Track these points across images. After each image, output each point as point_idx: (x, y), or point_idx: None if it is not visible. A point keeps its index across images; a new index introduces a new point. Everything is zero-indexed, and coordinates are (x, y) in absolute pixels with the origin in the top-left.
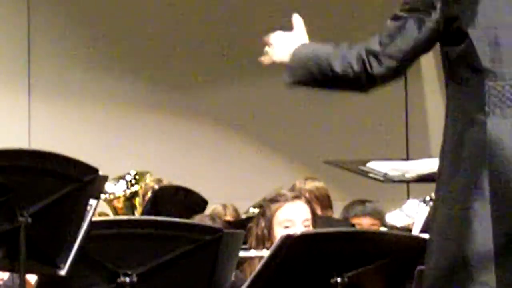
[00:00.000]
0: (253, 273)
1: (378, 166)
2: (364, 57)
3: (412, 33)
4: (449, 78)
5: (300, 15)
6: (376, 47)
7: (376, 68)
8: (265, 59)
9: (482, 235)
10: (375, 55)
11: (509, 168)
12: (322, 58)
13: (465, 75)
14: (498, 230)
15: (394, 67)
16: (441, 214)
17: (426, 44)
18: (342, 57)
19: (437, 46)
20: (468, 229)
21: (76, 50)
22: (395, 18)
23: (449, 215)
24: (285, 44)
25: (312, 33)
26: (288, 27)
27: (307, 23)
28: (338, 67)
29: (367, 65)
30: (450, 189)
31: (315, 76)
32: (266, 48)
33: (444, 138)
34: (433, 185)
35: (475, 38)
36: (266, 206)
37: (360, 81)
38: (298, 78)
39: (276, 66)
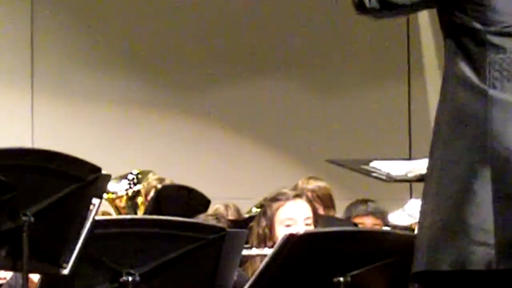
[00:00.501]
0: (256, 272)
1: (381, 166)
2: None
3: None
4: (448, 40)
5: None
6: None
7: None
8: None
9: (482, 196)
10: None
11: (510, 139)
12: None
13: (466, 44)
14: (498, 190)
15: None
16: (438, 176)
17: None
18: None
19: (440, 41)
20: (467, 190)
21: (79, 49)
22: None
23: (447, 177)
24: None
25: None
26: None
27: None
28: None
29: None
30: (449, 152)
31: None
32: None
33: (442, 103)
34: None
35: (478, 10)
36: (267, 205)
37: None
38: None
39: (278, 66)
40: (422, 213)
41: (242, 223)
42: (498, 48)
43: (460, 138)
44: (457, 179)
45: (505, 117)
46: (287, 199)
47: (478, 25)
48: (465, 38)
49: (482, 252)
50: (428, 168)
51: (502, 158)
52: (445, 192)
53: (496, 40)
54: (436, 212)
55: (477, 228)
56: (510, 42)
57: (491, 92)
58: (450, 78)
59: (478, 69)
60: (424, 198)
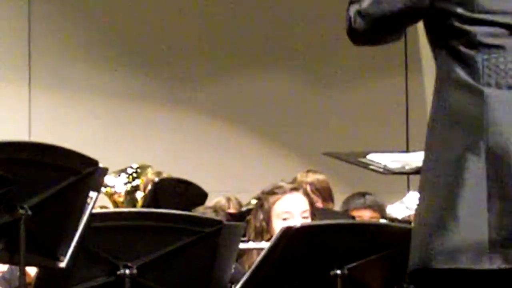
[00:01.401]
0: (253, 265)
1: (378, 158)
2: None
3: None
4: (438, 46)
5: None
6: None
7: (360, 24)
8: None
9: (476, 193)
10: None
11: (507, 135)
12: None
13: (457, 46)
14: (493, 188)
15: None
16: (433, 177)
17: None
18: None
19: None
20: (461, 188)
21: (76, 43)
22: None
23: (442, 175)
24: None
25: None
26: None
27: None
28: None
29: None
30: (445, 150)
31: None
32: None
33: (436, 106)
34: None
35: (469, 12)
36: (264, 199)
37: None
38: None
39: (276, 60)
40: (418, 208)
41: (240, 216)
42: (490, 48)
43: (456, 138)
44: (452, 176)
45: (502, 113)
46: (284, 192)
47: (468, 27)
48: (456, 42)
49: (475, 251)
50: (424, 162)
51: (498, 157)
52: (438, 190)
53: (487, 40)
54: (431, 209)
55: (470, 227)
56: (502, 41)
57: (487, 90)
58: (444, 82)
59: (472, 70)
60: (421, 192)
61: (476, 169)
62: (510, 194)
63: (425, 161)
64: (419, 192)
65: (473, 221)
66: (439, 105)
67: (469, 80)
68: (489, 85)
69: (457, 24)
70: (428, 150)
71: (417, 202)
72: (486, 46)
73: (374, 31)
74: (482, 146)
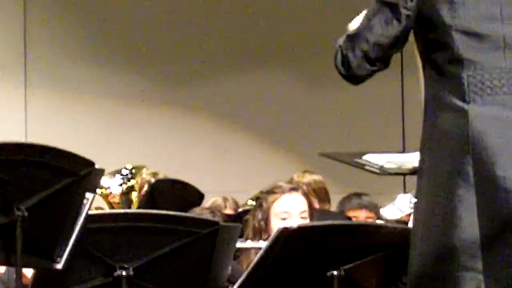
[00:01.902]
0: (250, 266)
1: (374, 159)
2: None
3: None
4: (425, 63)
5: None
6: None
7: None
8: None
9: (468, 220)
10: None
11: (492, 154)
12: None
13: (442, 63)
14: (484, 215)
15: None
16: (425, 202)
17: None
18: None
19: None
20: (453, 216)
21: (72, 43)
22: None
23: (433, 203)
24: None
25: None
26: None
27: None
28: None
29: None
30: (433, 177)
31: None
32: None
33: (424, 128)
34: None
35: (452, 27)
36: (263, 198)
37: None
38: None
39: (272, 59)
40: (416, 218)
41: (237, 217)
42: (476, 64)
43: (445, 162)
44: (443, 204)
45: (484, 129)
46: (283, 192)
47: (452, 44)
48: (441, 59)
49: (470, 277)
50: (419, 168)
51: (486, 181)
52: (432, 218)
53: (471, 56)
54: (426, 237)
55: (464, 254)
56: (485, 57)
57: (471, 107)
58: (429, 102)
59: (457, 88)
60: (417, 196)
61: (468, 198)
62: (501, 221)
63: (420, 181)
64: (417, 195)
65: (467, 249)
66: (426, 127)
67: (454, 99)
68: (474, 101)
69: (441, 41)
70: (421, 170)
71: (415, 204)
72: (470, 61)
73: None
74: (470, 171)
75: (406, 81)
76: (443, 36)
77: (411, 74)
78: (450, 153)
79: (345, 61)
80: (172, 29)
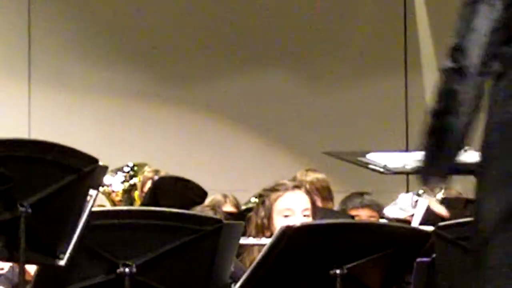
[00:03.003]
0: (253, 264)
1: (377, 158)
2: None
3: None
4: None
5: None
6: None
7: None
8: None
9: None
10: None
11: None
12: None
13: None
14: None
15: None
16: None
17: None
18: None
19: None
20: None
21: (76, 41)
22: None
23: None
24: None
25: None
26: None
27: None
28: None
29: None
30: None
31: None
32: None
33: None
34: None
35: None
36: (266, 195)
37: None
38: None
39: (275, 59)
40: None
41: (240, 215)
42: None
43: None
44: None
45: None
46: (286, 189)
47: None
48: None
49: None
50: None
51: None
52: None
53: None
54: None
55: None
56: None
57: None
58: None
59: None
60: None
61: None
62: None
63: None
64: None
65: None
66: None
67: None
68: None
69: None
70: (489, 155)
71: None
72: None
73: None
74: None
75: (409, 80)
76: None
77: (415, 73)
78: None
79: None
80: (177, 29)
